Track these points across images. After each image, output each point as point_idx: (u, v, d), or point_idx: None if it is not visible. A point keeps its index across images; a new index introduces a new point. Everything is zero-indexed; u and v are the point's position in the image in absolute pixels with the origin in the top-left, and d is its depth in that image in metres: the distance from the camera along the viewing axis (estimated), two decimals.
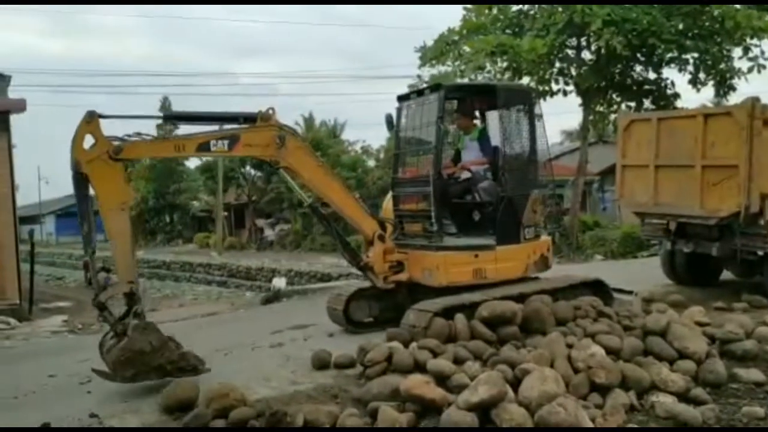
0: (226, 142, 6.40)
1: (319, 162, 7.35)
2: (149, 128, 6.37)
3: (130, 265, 5.89)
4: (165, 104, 46.39)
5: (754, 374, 5.94)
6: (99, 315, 5.87)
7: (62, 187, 61.36)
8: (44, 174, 56.28)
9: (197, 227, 46.30)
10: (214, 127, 6.58)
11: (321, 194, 7.24)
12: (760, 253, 8.81)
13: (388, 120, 8.30)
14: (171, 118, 6.55)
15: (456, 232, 7.85)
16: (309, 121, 39.69)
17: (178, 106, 46.41)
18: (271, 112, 6.66)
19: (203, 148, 6.39)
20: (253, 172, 38.72)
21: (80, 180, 5.76)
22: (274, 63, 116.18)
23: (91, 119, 5.72)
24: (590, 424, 4.62)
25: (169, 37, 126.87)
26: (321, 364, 6.26)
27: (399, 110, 8.28)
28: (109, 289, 5.87)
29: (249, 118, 6.63)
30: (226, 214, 39.74)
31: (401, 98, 8.32)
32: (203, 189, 44.66)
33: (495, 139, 8.10)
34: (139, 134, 6.11)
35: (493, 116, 8.39)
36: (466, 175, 8.11)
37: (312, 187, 7.21)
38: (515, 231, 7.75)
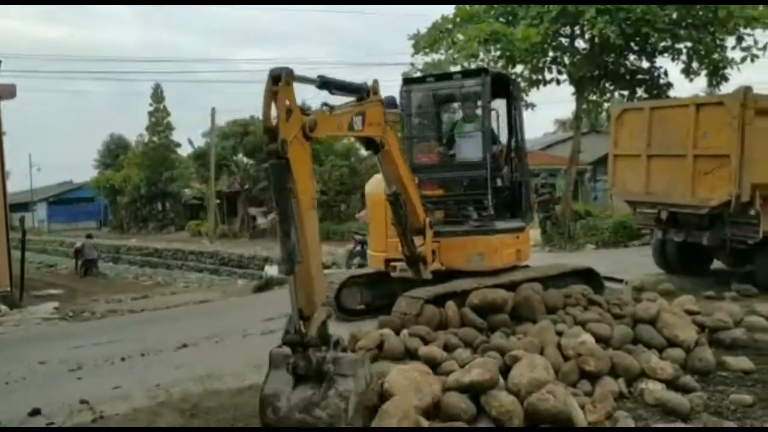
0: (360, 119, 5.43)
1: (398, 147, 6.71)
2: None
3: (324, 281, 4.54)
4: (157, 91, 46.25)
5: (742, 362, 6.00)
6: (296, 354, 4.28)
7: (54, 174, 61.21)
8: (36, 161, 55.98)
9: (189, 215, 46.06)
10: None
11: (400, 180, 6.46)
12: (750, 242, 8.87)
13: (390, 103, 7.96)
14: (325, 85, 5.15)
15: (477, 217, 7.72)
16: (304, 108, 39.35)
17: (170, 92, 46.21)
18: (377, 84, 5.72)
19: (351, 126, 5.38)
20: (245, 160, 38.52)
21: (283, 168, 4.27)
22: (269, 51, 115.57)
23: (291, 80, 4.31)
24: (579, 411, 4.64)
25: (164, 25, 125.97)
26: None
27: (408, 93, 7.95)
28: (310, 322, 4.35)
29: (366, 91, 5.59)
30: (218, 202, 39.51)
31: (410, 81, 8.15)
32: (195, 177, 44.31)
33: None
34: (326, 105, 5.04)
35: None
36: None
37: (393, 171, 6.36)
38: (528, 215, 8.17)
